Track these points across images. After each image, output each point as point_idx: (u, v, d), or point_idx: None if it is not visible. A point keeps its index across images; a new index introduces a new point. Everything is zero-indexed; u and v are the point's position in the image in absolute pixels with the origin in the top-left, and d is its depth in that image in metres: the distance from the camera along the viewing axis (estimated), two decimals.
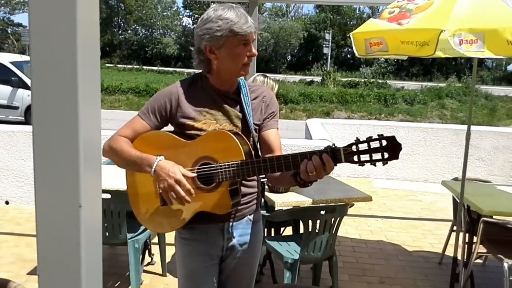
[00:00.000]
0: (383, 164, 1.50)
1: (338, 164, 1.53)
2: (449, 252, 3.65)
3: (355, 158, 1.50)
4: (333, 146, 1.52)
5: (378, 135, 1.50)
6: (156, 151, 1.67)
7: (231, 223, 1.79)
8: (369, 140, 1.49)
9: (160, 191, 1.66)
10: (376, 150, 1.49)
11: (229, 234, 1.80)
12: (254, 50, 1.69)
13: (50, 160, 0.74)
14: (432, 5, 2.55)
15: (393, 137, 1.49)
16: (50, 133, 0.74)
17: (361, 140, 1.50)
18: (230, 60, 1.67)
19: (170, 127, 1.78)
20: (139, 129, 1.73)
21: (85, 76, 0.73)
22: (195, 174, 1.64)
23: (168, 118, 1.74)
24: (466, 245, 3.35)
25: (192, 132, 1.70)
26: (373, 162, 1.50)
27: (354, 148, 1.50)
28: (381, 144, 1.48)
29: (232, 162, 1.60)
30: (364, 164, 1.51)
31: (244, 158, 1.60)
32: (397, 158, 1.49)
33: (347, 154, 1.50)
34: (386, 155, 1.49)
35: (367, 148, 1.49)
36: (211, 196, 1.65)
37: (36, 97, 0.73)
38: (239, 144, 1.61)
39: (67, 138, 0.73)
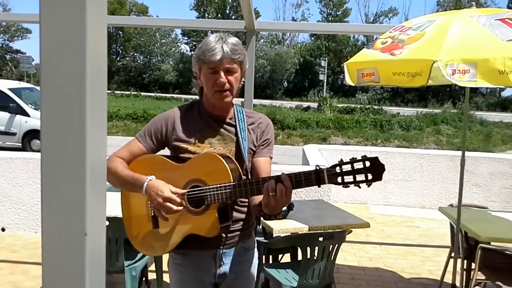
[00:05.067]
0: (368, 186, 1.49)
1: (322, 186, 1.52)
2: (448, 279, 3.63)
3: (339, 179, 1.49)
4: (317, 168, 1.52)
5: (362, 156, 1.50)
6: (149, 174, 1.71)
7: (222, 250, 1.79)
8: (352, 161, 1.49)
9: (152, 213, 1.72)
10: (359, 171, 1.48)
11: (221, 261, 1.80)
12: (222, 79, 1.67)
13: (57, 188, 0.77)
14: (424, 36, 2.62)
15: (376, 158, 1.49)
16: (58, 160, 0.76)
17: (344, 161, 1.50)
18: (205, 86, 1.74)
19: (167, 151, 1.82)
20: (136, 151, 1.78)
21: (93, 106, 0.76)
22: (185, 191, 1.66)
23: (163, 141, 1.79)
24: (465, 272, 3.34)
25: (186, 155, 1.74)
26: (356, 183, 1.49)
27: (338, 169, 1.49)
28: (364, 165, 1.48)
29: (220, 185, 1.62)
30: (349, 186, 1.50)
31: (232, 181, 1.62)
32: (380, 179, 1.48)
33: (331, 175, 1.50)
34: (369, 177, 1.48)
35: (351, 169, 1.49)
36: (201, 218, 1.67)
37: (45, 126, 0.76)
38: (227, 166, 1.63)
39: (74, 166, 0.76)
